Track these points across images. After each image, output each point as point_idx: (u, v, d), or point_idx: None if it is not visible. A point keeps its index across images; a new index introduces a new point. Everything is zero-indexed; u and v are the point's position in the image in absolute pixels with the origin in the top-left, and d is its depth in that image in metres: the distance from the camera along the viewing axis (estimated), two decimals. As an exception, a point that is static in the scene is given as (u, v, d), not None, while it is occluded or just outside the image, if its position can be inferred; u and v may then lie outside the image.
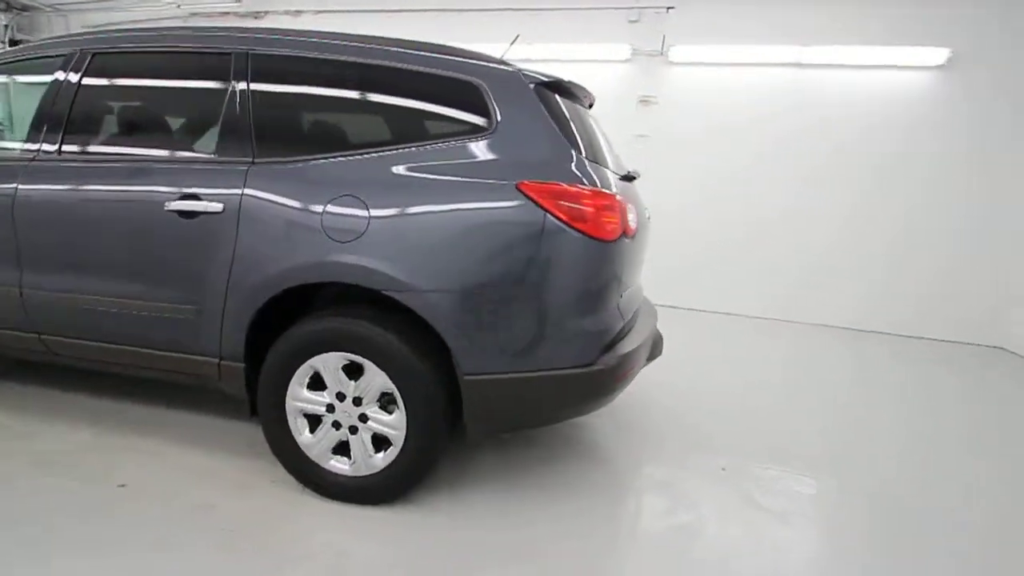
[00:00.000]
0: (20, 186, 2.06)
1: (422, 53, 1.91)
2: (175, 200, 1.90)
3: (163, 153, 2.06)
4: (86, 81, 2.13)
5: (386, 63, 1.90)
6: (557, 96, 1.96)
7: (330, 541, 1.77)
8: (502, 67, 1.90)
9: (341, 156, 1.86)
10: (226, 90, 1.97)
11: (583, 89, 2.21)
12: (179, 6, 6.29)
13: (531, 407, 1.85)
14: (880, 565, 1.83)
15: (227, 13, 6.45)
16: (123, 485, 1.98)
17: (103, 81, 2.15)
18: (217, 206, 1.86)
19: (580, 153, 1.82)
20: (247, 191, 1.85)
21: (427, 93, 1.89)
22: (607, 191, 1.78)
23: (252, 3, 6.33)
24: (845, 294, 5.15)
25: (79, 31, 2.35)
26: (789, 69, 5.03)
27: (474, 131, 1.82)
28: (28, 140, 2.14)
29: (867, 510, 2.16)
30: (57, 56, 2.21)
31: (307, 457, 1.95)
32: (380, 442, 1.90)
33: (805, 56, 4.90)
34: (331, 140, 1.95)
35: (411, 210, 1.75)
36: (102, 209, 2.00)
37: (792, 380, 3.70)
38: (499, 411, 1.84)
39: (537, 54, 4.93)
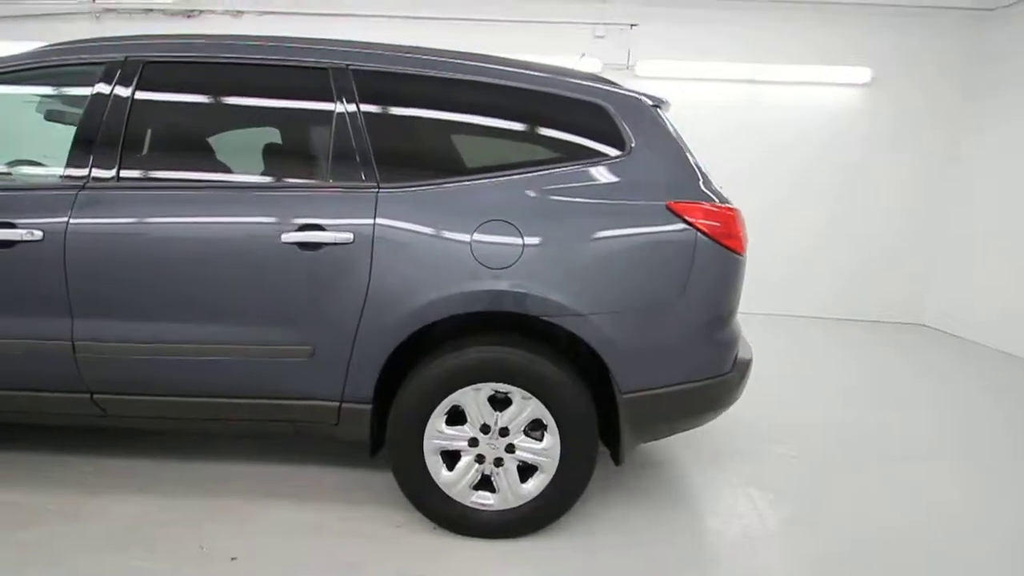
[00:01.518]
0: (72, 220, 1.73)
1: (544, 74, 1.89)
2: (292, 231, 1.70)
3: (262, 180, 1.83)
4: (141, 95, 1.83)
5: (509, 83, 1.86)
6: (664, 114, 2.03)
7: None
8: (621, 89, 1.93)
9: (471, 179, 1.79)
10: (332, 109, 1.80)
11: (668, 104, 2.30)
12: (93, 0, 5.52)
13: (678, 418, 1.90)
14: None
15: (151, 10, 5.77)
16: (234, 558, 1.74)
17: (167, 96, 1.86)
18: (346, 236, 1.70)
19: (703, 171, 1.91)
20: (379, 219, 1.71)
21: (553, 114, 1.88)
22: (735, 207, 1.89)
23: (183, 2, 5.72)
24: (775, 282, 5.53)
25: (101, 38, 2.00)
26: (742, 85, 5.53)
27: (608, 153, 1.83)
28: (71, 164, 1.80)
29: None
30: (89, 65, 1.88)
31: (447, 496, 1.84)
32: (523, 472, 1.85)
33: (756, 73, 5.40)
34: (456, 163, 1.86)
35: (565, 234, 1.73)
36: (194, 244, 1.73)
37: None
38: (650, 425, 1.87)
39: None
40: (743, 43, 5.42)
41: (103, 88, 1.83)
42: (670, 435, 2.01)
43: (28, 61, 1.90)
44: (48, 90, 2.07)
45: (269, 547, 1.79)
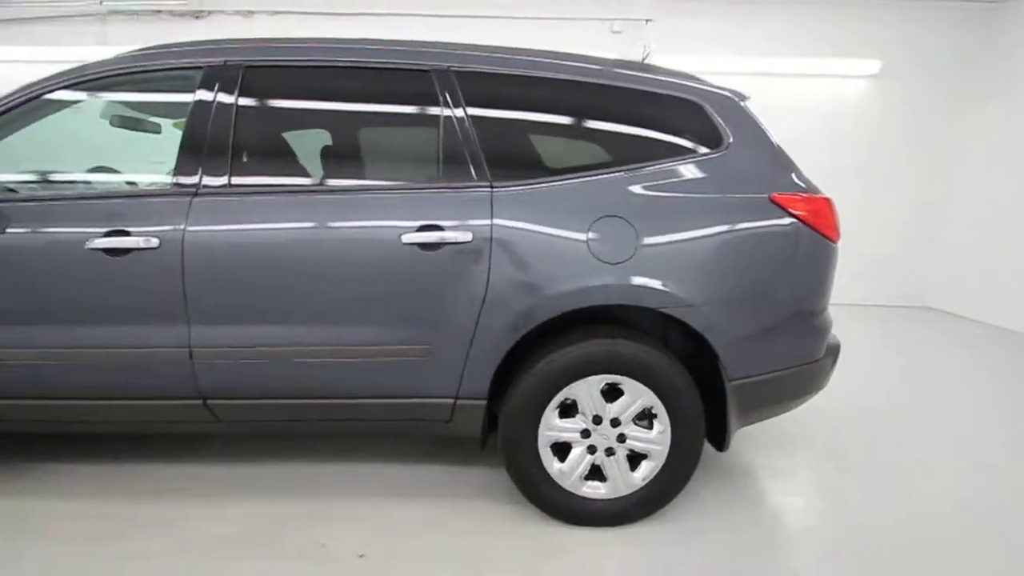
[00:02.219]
0: (189, 227, 1.72)
1: (641, 73, 1.94)
2: (412, 232, 1.72)
3: (375, 182, 1.84)
4: (245, 99, 1.82)
5: (606, 82, 1.90)
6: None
7: (629, 563, 1.75)
8: (711, 85, 1.99)
9: (578, 177, 1.83)
10: (439, 110, 1.82)
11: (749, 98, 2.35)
12: (101, 2, 5.38)
13: (777, 403, 1.97)
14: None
15: (159, 11, 5.66)
16: (362, 556, 1.76)
17: (271, 100, 1.86)
18: (465, 236, 1.73)
19: (793, 162, 1.97)
20: (496, 218, 1.74)
21: (652, 112, 1.92)
22: (829, 196, 1.96)
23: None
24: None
25: (192, 43, 1.98)
26: (754, 78, 5.63)
27: (707, 149, 1.89)
28: (180, 171, 1.79)
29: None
30: (186, 70, 1.87)
31: (561, 487, 1.88)
32: (631, 461, 1.90)
33: (768, 66, 5.52)
34: (561, 161, 1.89)
35: (676, 228, 1.78)
36: (312, 248, 1.74)
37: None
38: (753, 411, 1.93)
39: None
40: (755, 37, 5.53)
41: (206, 93, 1.82)
42: (765, 419, 2.08)
43: (119, 66, 1.88)
44: (139, 95, 2.04)
45: (394, 544, 1.81)
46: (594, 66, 1.91)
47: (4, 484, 2.11)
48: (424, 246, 1.73)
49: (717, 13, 5.49)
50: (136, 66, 1.88)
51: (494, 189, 1.78)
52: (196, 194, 1.76)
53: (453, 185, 1.79)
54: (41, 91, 1.85)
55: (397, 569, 1.70)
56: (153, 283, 1.72)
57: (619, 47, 5.55)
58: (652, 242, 1.76)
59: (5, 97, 1.85)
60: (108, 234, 1.71)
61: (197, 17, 5.70)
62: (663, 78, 1.94)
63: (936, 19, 5.41)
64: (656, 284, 1.74)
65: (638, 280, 1.74)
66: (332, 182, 1.84)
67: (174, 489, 2.10)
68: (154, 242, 1.70)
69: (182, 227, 1.71)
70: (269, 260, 1.74)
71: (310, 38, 1.93)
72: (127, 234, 1.71)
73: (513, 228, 1.74)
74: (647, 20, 5.56)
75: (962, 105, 5.49)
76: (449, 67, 1.87)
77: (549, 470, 1.87)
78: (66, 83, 1.86)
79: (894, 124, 5.62)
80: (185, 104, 1.86)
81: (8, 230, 1.74)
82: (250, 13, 5.71)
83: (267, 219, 1.76)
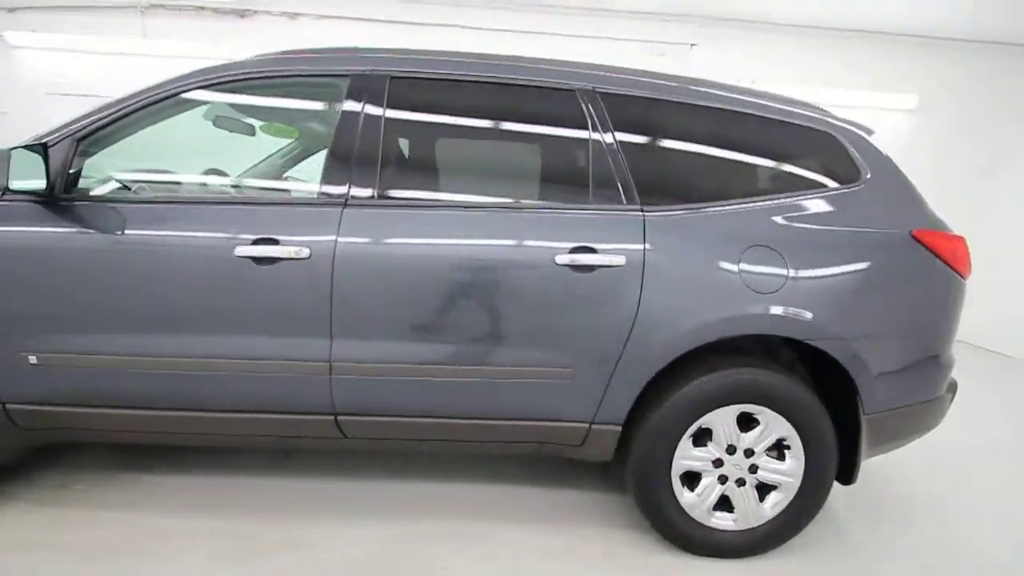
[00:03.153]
0: (341, 238, 1.67)
1: (778, 104, 1.95)
2: (566, 253, 1.70)
3: (525, 201, 1.81)
4: (393, 110, 1.78)
5: (749, 111, 1.90)
6: None
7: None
8: (842, 120, 2.01)
9: (725, 205, 1.82)
10: (587, 130, 1.81)
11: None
12: (145, -4, 5.30)
13: (903, 436, 1.97)
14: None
15: (202, 8, 5.59)
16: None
17: (417, 113, 1.82)
18: (619, 259, 1.70)
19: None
20: (649, 243, 1.72)
21: (792, 143, 1.93)
22: (962, 234, 1.97)
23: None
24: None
25: (331, 49, 1.94)
26: (793, 106, 5.74)
27: (847, 182, 1.90)
28: (328, 181, 1.74)
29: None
30: (329, 76, 1.83)
31: (690, 517, 1.85)
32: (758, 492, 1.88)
33: (808, 95, 5.61)
34: (706, 188, 1.88)
35: (824, 260, 1.78)
36: (461, 264, 1.70)
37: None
38: (882, 443, 1.93)
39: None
40: (796, 66, 5.63)
41: (354, 101, 1.78)
42: (886, 452, 2.08)
43: (261, 69, 1.83)
44: (275, 100, 1.99)
45: (520, 570, 1.77)
46: (739, 95, 1.92)
47: (105, 496, 2.02)
48: (577, 268, 1.70)
49: (761, 41, 5.59)
50: (278, 70, 1.83)
51: (645, 213, 1.77)
52: (346, 205, 1.71)
53: (605, 207, 1.77)
54: (178, 89, 1.79)
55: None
56: (300, 294, 1.67)
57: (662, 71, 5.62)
58: (801, 274, 1.75)
59: (141, 93, 1.79)
60: (256, 242, 1.66)
61: (242, 16, 5.64)
62: (803, 111, 1.96)
63: (976, 58, 5.56)
64: (807, 316, 1.74)
65: (789, 311, 1.73)
66: (480, 199, 1.79)
67: (291, 506, 2.03)
68: (305, 252, 1.65)
69: (333, 238, 1.66)
70: (418, 275, 1.70)
71: (452, 52, 1.90)
72: (276, 243, 1.66)
73: (666, 253, 1.73)
74: (692, 45, 5.64)
75: (996, 141, 5.64)
76: (595, 88, 1.85)
77: (680, 499, 1.85)
78: (204, 83, 1.81)
79: (928, 157, 5.76)
80: (314, 111, 1.83)
81: (147, 232, 1.68)
82: (296, 15, 5.67)
83: (417, 234, 1.72)
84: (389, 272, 1.69)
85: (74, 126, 1.74)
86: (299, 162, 2.31)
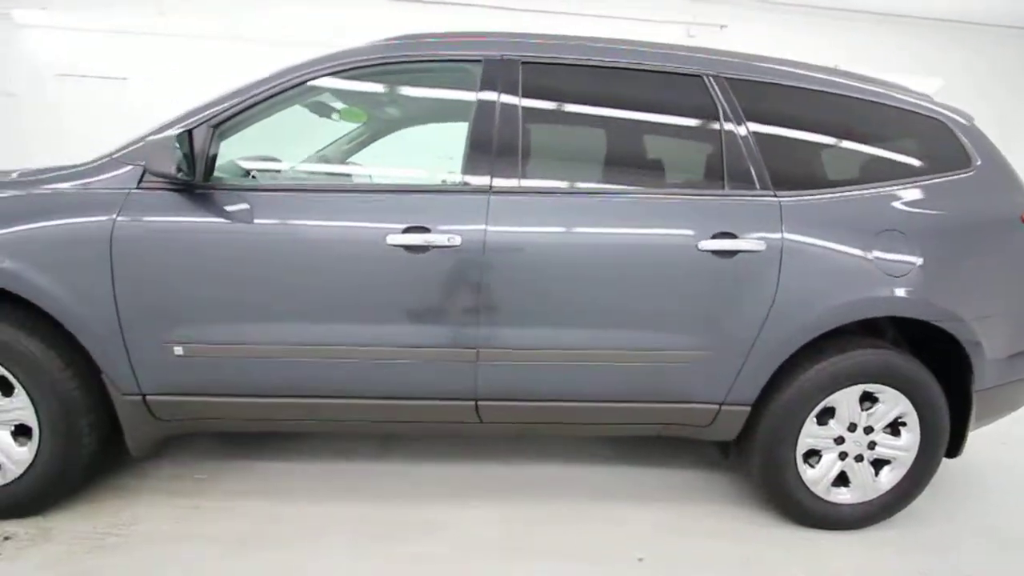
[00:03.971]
0: (490, 227, 1.67)
1: (896, 93, 1.98)
2: (709, 239, 1.72)
3: (662, 187, 1.82)
4: (527, 97, 1.77)
5: (872, 99, 1.94)
6: None
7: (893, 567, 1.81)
8: (947, 107, 2.05)
9: (853, 190, 1.85)
10: (718, 118, 1.82)
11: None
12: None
13: (1007, 408, 2.06)
14: None
15: (223, -14, 5.40)
16: (641, 559, 1.76)
17: (551, 99, 1.83)
18: (759, 245, 1.74)
19: None
20: (786, 228, 1.76)
21: (910, 129, 1.97)
22: None
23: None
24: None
25: (455, 34, 1.91)
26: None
27: (959, 167, 1.95)
28: (470, 170, 1.73)
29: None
30: (459, 62, 1.81)
31: (812, 492, 1.93)
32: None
33: (835, 78, 5.68)
34: (833, 173, 1.92)
35: (947, 244, 1.84)
36: (608, 251, 1.73)
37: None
38: (986, 418, 2.02)
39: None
40: (824, 50, 5.67)
41: (489, 87, 1.76)
42: (988, 424, 2.17)
43: (390, 55, 1.80)
44: (402, 87, 1.96)
45: (666, 548, 1.83)
46: (858, 83, 1.94)
47: (226, 485, 2.02)
48: (718, 253, 1.73)
49: (789, 24, 5.62)
50: (407, 55, 1.80)
51: (780, 199, 1.80)
52: (491, 193, 1.71)
53: (741, 193, 1.80)
54: (306, 76, 1.76)
55: (679, 572, 1.73)
56: (449, 281, 1.67)
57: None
58: (928, 257, 1.80)
59: (270, 80, 1.74)
60: (407, 230, 1.65)
61: (261, -7, 5.47)
62: (915, 99, 2.00)
63: (996, 43, 5.66)
64: (935, 298, 1.80)
65: (917, 293, 1.79)
66: (618, 186, 1.81)
67: (411, 490, 2.06)
68: (457, 240, 1.65)
69: (483, 227, 1.66)
70: (565, 262, 1.71)
71: (578, 36, 1.90)
72: (427, 231, 1.65)
73: (803, 238, 1.76)
74: (722, 26, 5.64)
75: (1016, 124, 5.79)
76: (720, 74, 1.87)
77: (804, 476, 1.92)
78: (331, 70, 1.77)
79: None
80: (445, 97, 1.81)
81: (292, 221, 1.67)
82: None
83: (563, 221, 1.73)
84: (537, 259, 1.71)
85: (206, 113, 1.70)
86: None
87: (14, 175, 1.76)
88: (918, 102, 2.01)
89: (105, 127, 5.99)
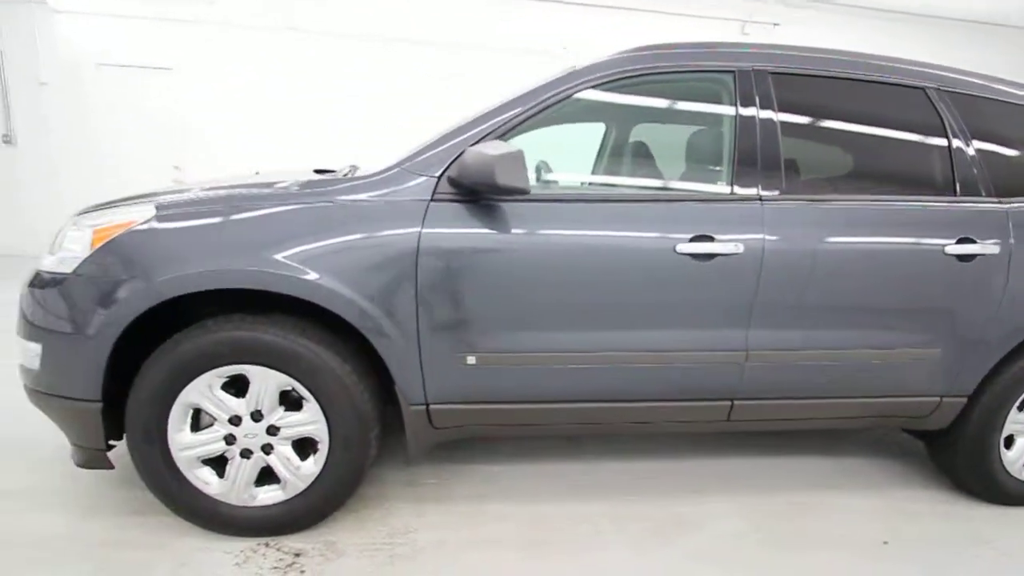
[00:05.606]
0: (768, 236, 1.76)
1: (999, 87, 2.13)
2: (953, 244, 1.86)
3: (909, 195, 1.92)
4: (782, 109, 1.86)
5: (988, 97, 2.07)
6: None
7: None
8: None
9: None
10: (945, 130, 1.95)
11: None
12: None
13: None
14: None
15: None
16: (886, 542, 1.91)
17: (800, 111, 1.91)
18: (995, 248, 1.89)
19: None
20: (1014, 233, 1.91)
21: None
22: None
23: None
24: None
25: (698, 44, 1.96)
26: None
27: None
28: (741, 181, 1.81)
29: None
30: (713, 72, 1.88)
31: (1009, 472, 2.10)
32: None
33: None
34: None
35: None
36: (863, 256, 1.85)
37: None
38: None
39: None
40: (873, 49, 5.92)
41: (746, 99, 1.84)
42: None
43: (641, 67, 1.84)
44: (651, 98, 2.00)
45: (902, 531, 1.98)
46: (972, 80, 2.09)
47: (465, 490, 2.07)
48: (961, 258, 1.87)
49: (839, 23, 5.83)
50: (659, 67, 1.85)
51: (1006, 205, 1.94)
52: (761, 201, 1.80)
53: (974, 200, 1.93)
54: (571, 91, 1.79)
55: (919, 554, 1.88)
56: (730, 287, 1.76)
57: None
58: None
59: (538, 92, 1.76)
60: (694, 239, 1.72)
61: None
62: None
63: (1010, 42, 6.01)
64: None
65: None
66: (866, 195, 1.90)
67: (653, 486, 2.16)
68: (740, 248, 1.73)
69: (761, 235, 1.75)
70: (827, 267, 1.81)
71: (817, 48, 2.00)
72: (711, 239, 1.73)
73: None
74: (775, 24, 5.81)
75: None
76: (941, 88, 2.00)
77: (1004, 458, 2.10)
78: (595, 82, 1.81)
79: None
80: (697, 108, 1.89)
81: (583, 231, 1.72)
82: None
83: (824, 230, 1.82)
84: (804, 265, 1.80)
85: (487, 124, 1.72)
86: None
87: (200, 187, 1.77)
88: None
89: (146, 119, 5.76)
